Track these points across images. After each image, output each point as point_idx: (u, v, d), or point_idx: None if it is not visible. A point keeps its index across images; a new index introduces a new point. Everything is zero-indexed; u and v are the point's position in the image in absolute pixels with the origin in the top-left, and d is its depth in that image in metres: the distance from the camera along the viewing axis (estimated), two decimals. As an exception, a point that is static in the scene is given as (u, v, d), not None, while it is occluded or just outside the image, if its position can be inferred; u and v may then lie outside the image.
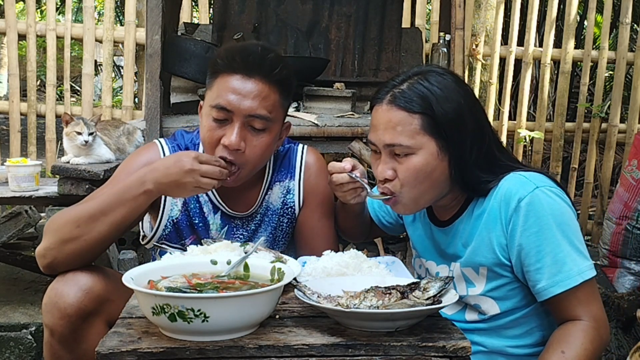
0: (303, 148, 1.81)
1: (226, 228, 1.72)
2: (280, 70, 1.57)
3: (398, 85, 1.43)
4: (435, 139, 1.40)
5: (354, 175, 1.55)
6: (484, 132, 1.45)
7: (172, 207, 1.69)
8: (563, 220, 1.38)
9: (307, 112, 2.83)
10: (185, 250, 1.52)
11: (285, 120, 1.68)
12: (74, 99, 6.25)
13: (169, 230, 1.71)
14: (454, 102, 1.41)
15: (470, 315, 1.52)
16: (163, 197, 1.67)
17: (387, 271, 1.46)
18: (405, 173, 1.41)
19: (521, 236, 1.38)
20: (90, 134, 2.84)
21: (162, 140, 1.74)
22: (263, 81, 1.55)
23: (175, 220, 1.70)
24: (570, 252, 1.36)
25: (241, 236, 1.73)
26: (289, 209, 1.76)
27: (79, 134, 2.82)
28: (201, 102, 1.65)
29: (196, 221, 1.71)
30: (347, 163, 1.56)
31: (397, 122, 1.40)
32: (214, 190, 1.69)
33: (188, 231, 1.71)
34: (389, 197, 1.47)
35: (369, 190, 1.57)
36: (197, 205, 1.71)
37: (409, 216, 1.67)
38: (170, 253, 1.58)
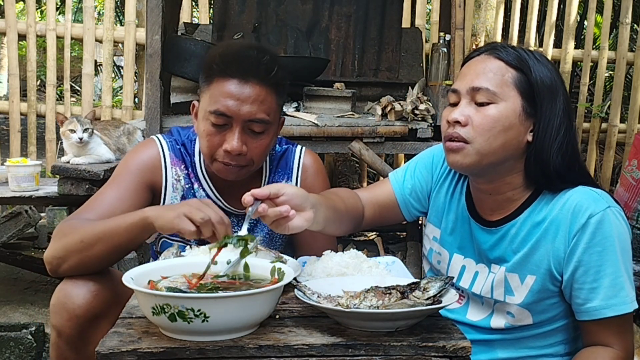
0: (301, 150, 1.81)
1: None
2: (276, 72, 1.57)
3: (500, 45, 1.42)
4: (523, 98, 1.36)
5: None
6: (571, 121, 1.41)
7: (172, 201, 1.70)
8: (625, 246, 1.36)
9: (307, 112, 2.83)
10: (187, 243, 1.52)
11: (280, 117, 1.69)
12: (74, 99, 6.24)
13: None
14: (551, 77, 1.38)
15: (497, 322, 1.48)
16: (163, 192, 1.68)
17: (387, 271, 1.45)
18: (481, 120, 1.36)
19: (583, 253, 1.34)
20: (85, 130, 2.82)
21: (160, 136, 1.74)
22: (260, 85, 1.55)
23: None
24: (626, 279, 1.35)
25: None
26: None
27: (73, 131, 2.80)
28: (194, 102, 1.66)
29: None
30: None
31: (491, 69, 1.37)
32: (211, 185, 1.70)
33: None
34: None
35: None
36: None
37: (443, 204, 1.58)
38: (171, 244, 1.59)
